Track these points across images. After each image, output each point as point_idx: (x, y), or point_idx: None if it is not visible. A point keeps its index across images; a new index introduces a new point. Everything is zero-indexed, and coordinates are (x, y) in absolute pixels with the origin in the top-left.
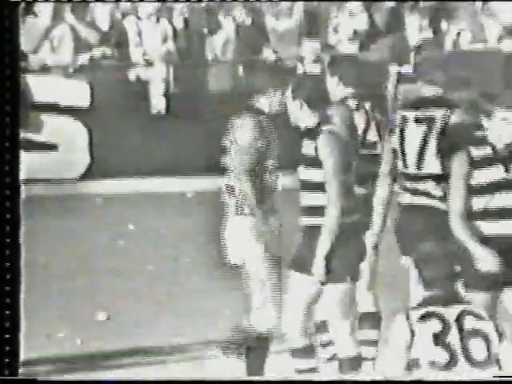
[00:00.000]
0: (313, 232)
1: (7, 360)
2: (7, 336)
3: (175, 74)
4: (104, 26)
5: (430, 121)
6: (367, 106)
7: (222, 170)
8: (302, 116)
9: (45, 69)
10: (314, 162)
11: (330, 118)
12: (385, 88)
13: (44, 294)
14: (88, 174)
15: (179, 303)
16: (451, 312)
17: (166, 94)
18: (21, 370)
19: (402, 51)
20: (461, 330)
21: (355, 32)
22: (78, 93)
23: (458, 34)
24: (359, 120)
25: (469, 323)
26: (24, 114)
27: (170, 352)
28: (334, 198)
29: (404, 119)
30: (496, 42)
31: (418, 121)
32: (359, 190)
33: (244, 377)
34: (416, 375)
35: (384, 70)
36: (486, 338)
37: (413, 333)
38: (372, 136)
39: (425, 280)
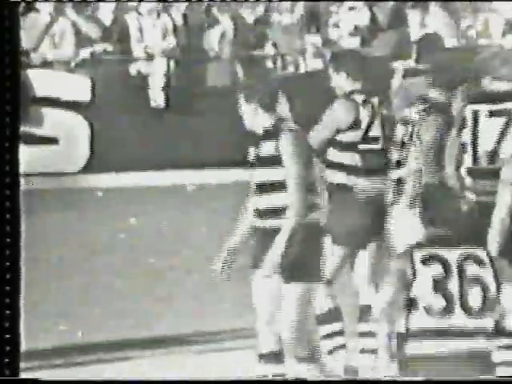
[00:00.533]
0: (268, 234)
1: (7, 360)
2: (7, 336)
3: (175, 68)
4: (106, 21)
5: (508, 114)
6: (375, 100)
7: (221, 164)
8: (258, 120)
9: (46, 63)
10: (274, 162)
11: (285, 118)
12: (390, 83)
13: (45, 288)
14: (88, 168)
15: (180, 297)
16: (454, 256)
17: (165, 88)
18: (21, 366)
19: (404, 46)
20: (461, 277)
21: (356, 27)
22: (79, 87)
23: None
24: (364, 115)
25: (470, 270)
26: (25, 107)
27: (172, 344)
28: (295, 196)
29: (475, 113)
30: (500, 38)
31: (492, 114)
32: (359, 183)
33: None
34: (413, 317)
35: (388, 65)
36: (485, 286)
37: (415, 273)
38: (375, 131)
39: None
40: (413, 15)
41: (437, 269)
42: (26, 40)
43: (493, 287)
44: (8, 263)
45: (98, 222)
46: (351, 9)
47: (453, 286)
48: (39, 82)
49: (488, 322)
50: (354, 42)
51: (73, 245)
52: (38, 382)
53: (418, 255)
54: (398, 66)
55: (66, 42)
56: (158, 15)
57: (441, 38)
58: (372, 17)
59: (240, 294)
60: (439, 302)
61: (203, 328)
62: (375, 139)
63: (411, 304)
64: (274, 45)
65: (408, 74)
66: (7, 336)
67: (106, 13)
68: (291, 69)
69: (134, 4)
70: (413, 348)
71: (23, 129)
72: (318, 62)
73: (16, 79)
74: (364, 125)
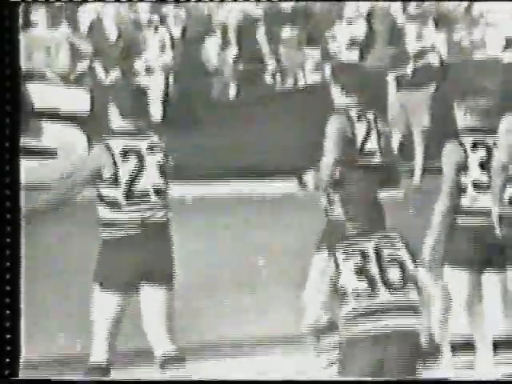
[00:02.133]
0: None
1: (8, 360)
2: (8, 336)
3: (174, 81)
4: (111, 36)
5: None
6: (370, 115)
7: (220, 176)
8: (114, 120)
9: (44, 76)
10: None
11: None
12: (384, 96)
13: (44, 300)
14: (108, 182)
15: (178, 305)
16: (371, 243)
17: (164, 103)
18: (21, 370)
19: (401, 59)
20: (379, 259)
21: (353, 40)
22: (77, 100)
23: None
24: (360, 129)
25: (386, 252)
26: (24, 120)
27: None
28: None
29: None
30: (497, 52)
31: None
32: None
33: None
34: (346, 304)
35: (384, 78)
36: (402, 264)
37: (338, 266)
38: (371, 145)
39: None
40: (410, 28)
41: (356, 259)
42: (23, 53)
43: (409, 264)
44: (8, 263)
45: (97, 234)
46: (349, 22)
47: (373, 268)
48: (38, 96)
49: (411, 298)
50: (352, 55)
51: (72, 256)
52: (38, 381)
53: (340, 249)
54: (391, 77)
55: (63, 55)
56: (156, 28)
57: (438, 52)
58: (369, 28)
59: (239, 302)
60: (363, 285)
61: (202, 339)
62: (371, 153)
63: (343, 294)
64: (274, 58)
65: (402, 85)
66: (7, 336)
67: (111, 27)
68: (290, 82)
69: (134, 16)
70: (349, 330)
71: (22, 141)
72: (317, 75)
73: (16, 79)
74: (360, 139)
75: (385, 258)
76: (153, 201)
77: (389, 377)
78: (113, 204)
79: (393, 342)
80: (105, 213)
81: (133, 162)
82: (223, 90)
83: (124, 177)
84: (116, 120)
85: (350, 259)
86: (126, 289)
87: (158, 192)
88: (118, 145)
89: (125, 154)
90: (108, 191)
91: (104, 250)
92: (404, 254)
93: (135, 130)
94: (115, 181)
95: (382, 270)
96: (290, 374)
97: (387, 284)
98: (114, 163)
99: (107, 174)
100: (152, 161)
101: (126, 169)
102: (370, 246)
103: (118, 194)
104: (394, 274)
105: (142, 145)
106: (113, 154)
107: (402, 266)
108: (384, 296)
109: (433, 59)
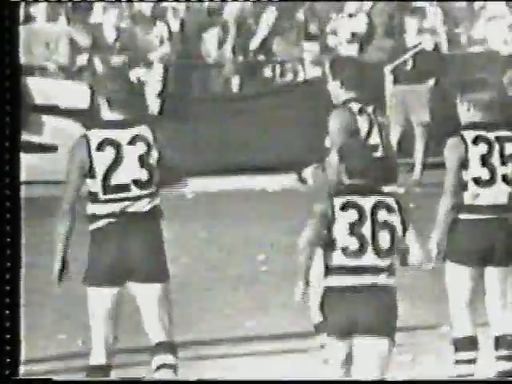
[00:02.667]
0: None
1: (8, 360)
2: (7, 336)
3: (172, 75)
4: (110, 35)
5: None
6: (370, 109)
7: (219, 171)
8: (104, 112)
9: (44, 71)
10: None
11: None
12: (383, 90)
13: (44, 296)
14: (87, 175)
15: (179, 303)
16: (368, 203)
17: (161, 95)
18: (21, 371)
19: (401, 53)
20: (374, 221)
21: (353, 34)
22: (77, 94)
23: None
24: (362, 124)
25: (381, 215)
26: (24, 115)
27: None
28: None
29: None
30: (496, 45)
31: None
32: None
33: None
34: (332, 256)
35: (383, 71)
36: (392, 230)
37: (334, 219)
38: (374, 139)
39: (348, 170)
40: (411, 22)
41: (353, 214)
42: (23, 47)
43: (399, 230)
44: (8, 263)
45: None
46: (351, 16)
47: (366, 229)
48: (38, 90)
49: (394, 261)
50: (351, 49)
51: (72, 251)
52: (37, 381)
53: (338, 202)
54: (388, 70)
55: (64, 49)
56: (155, 22)
57: (437, 46)
58: (369, 23)
59: (236, 300)
60: (354, 244)
61: (202, 335)
62: (375, 147)
63: (331, 244)
64: (273, 51)
65: (400, 79)
66: (7, 336)
67: (110, 26)
68: (290, 76)
69: (131, 10)
70: (331, 281)
71: (23, 136)
72: (316, 69)
73: (16, 79)
74: (363, 133)
75: (378, 221)
76: (133, 192)
77: (362, 333)
78: (94, 196)
79: (367, 297)
80: (89, 207)
81: (110, 153)
82: (223, 83)
83: (100, 169)
84: (105, 112)
85: (346, 211)
86: (112, 283)
87: (138, 183)
88: (97, 137)
89: (100, 145)
90: (89, 184)
91: (90, 245)
92: (396, 220)
93: (119, 121)
94: (93, 173)
95: (373, 233)
96: (289, 370)
97: (376, 248)
98: (90, 155)
99: (86, 166)
100: (132, 152)
101: (101, 161)
102: (367, 206)
103: (96, 186)
104: (384, 238)
105: (123, 136)
106: (89, 147)
107: (392, 231)
108: (370, 258)
109: (428, 46)
